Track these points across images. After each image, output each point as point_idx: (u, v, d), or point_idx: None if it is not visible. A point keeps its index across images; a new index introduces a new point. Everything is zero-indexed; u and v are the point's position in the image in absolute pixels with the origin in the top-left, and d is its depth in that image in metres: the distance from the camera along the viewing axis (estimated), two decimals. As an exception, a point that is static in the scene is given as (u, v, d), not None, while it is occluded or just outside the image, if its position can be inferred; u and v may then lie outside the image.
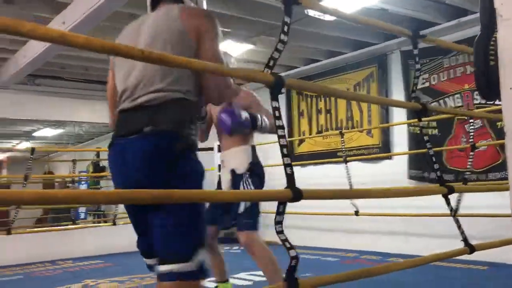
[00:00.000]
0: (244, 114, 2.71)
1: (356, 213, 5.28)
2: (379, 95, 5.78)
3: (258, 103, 3.00)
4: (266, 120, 2.87)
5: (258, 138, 7.26)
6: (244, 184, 2.93)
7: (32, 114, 6.51)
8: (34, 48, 4.79)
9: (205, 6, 2.06)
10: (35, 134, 10.18)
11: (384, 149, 5.75)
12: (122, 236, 6.53)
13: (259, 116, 2.81)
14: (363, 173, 5.69)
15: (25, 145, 11.20)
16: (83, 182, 10.72)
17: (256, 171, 2.97)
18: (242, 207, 2.90)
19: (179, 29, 1.66)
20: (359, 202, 5.22)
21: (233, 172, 2.96)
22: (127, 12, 4.46)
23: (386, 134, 5.77)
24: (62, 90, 6.60)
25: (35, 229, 7.45)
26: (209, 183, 5.82)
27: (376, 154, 5.79)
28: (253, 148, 3.05)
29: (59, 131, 10.02)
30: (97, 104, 6.92)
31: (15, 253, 5.32)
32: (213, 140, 7.43)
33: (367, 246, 5.65)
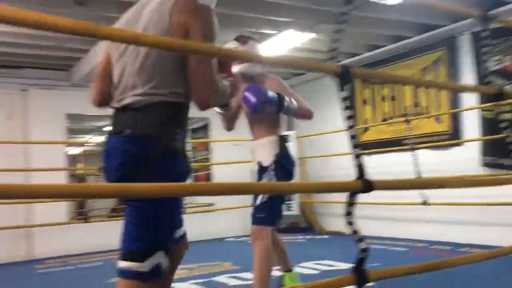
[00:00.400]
0: (270, 92, 2.61)
1: (425, 203, 5.12)
2: (449, 79, 5.55)
3: (285, 89, 2.86)
4: (293, 101, 2.76)
5: (322, 127, 7.24)
6: (267, 177, 2.85)
7: (103, 110, 6.84)
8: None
9: None
10: (106, 128, 10.70)
11: (454, 136, 5.52)
12: (190, 225, 6.75)
13: (286, 96, 2.71)
14: (432, 161, 5.51)
15: (98, 139, 11.79)
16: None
17: (282, 163, 2.86)
18: (258, 200, 2.82)
19: (165, 26, 1.58)
20: (428, 190, 5.06)
21: (259, 164, 2.92)
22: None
23: (456, 119, 5.53)
24: (130, 86, 6.87)
25: (110, 218, 7.88)
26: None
27: (445, 140, 5.58)
28: (282, 138, 2.94)
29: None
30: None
31: (93, 241, 5.65)
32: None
33: (437, 235, 5.48)
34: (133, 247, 1.59)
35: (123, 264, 1.60)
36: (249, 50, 2.74)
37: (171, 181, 1.51)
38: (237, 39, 2.82)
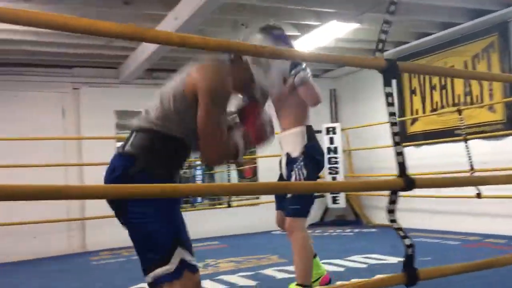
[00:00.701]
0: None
1: (478, 195, 4.95)
2: (501, 66, 5.31)
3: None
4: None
5: (368, 118, 7.12)
6: (297, 168, 2.84)
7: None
8: (151, 45, 5.12)
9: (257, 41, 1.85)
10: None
11: (508, 125, 5.28)
12: (237, 219, 6.83)
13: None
14: (485, 152, 5.30)
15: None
16: (198, 168, 11.32)
17: (310, 154, 2.86)
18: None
19: (182, 82, 1.78)
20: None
21: (288, 155, 2.92)
22: (236, 3, 4.59)
23: (510, 108, 5.29)
24: (176, 81, 6.99)
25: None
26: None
27: (499, 130, 5.35)
28: (309, 128, 2.92)
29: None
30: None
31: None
32: (321, 122, 7.41)
33: (491, 229, 5.28)
34: (152, 258, 1.66)
35: (151, 275, 1.66)
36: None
37: (148, 203, 1.62)
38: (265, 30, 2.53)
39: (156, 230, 1.65)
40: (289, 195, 2.83)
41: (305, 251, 2.74)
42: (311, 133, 2.90)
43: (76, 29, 1.16)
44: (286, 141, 2.95)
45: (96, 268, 4.71)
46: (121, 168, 1.70)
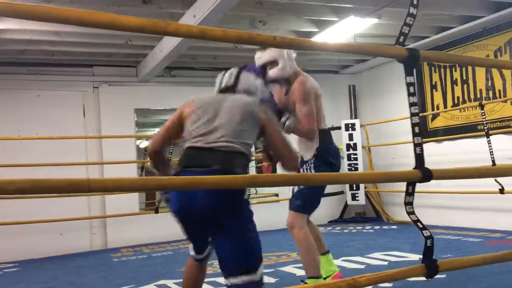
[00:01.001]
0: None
1: (501, 191, 4.86)
2: (525, 60, 5.20)
3: (299, 98, 2.82)
4: (290, 121, 2.81)
5: (386, 115, 7.05)
6: (306, 169, 2.90)
7: (169, 104, 7.01)
8: (169, 43, 5.16)
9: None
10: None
11: (532, 120, 5.18)
12: (256, 215, 6.83)
13: (285, 114, 2.81)
14: (508, 147, 5.21)
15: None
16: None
17: (323, 156, 2.89)
18: (296, 188, 2.87)
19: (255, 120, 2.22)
20: (504, 179, 4.79)
21: (301, 158, 2.96)
22: (254, 0, 4.59)
23: (534, 102, 5.19)
24: (194, 80, 7.01)
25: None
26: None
27: (523, 125, 5.24)
28: (324, 132, 2.94)
29: (193, 118, 10.70)
30: (225, 90, 7.25)
31: (164, 231, 5.86)
32: (340, 119, 7.37)
33: (515, 226, 5.18)
34: (250, 262, 2.00)
35: (243, 279, 1.98)
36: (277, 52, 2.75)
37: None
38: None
39: (257, 241, 2.06)
40: (295, 190, 2.87)
41: (305, 244, 2.77)
42: (325, 136, 2.94)
43: (97, 25, 1.18)
44: (300, 145, 3.02)
45: (118, 264, 4.76)
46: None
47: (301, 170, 2.92)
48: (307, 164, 2.92)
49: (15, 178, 1.08)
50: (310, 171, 2.87)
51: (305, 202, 2.84)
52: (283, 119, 2.79)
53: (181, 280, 3.76)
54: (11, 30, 4.89)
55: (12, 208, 5.46)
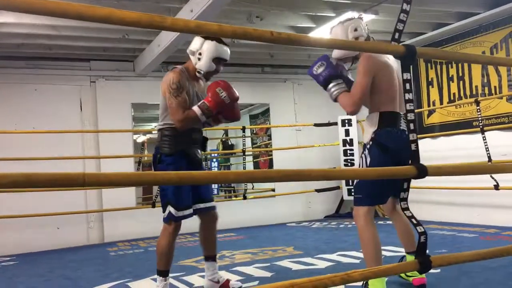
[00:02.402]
0: (324, 71, 2.80)
1: (496, 187, 4.89)
2: (521, 57, 5.22)
3: (359, 71, 2.74)
4: (337, 89, 2.76)
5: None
6: (363, 155, 2.75)
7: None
8: (167, 38, 5.16)
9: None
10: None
11: (528, 116, 5.21)
12: (252, 210, 6.87)
13: (334, 81, 2.79)
14: (504, 143, 5.23)
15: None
16: (214, 160, 11.38)
17: (379, 140, 2.68)
18: (355, 180, 2.79)
19: None
20: (499, 175, 4.82)
21: (363, 143, 2.89)
22: (249, -6, 4.59)
23: (530, 99, 5.21)
24: (191, 74, 7.02)
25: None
26: (335, 156, 5.82)
27: (518, 122, 5.27)
28: (387, 114, 2.70)
29: (190, 112, 10.70)
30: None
31: (160, 225, 5.87)
32: (337, 114, 7.36)
33: (509, 221, 5.22)
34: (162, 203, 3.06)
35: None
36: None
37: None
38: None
39: (166, 190, 3.03)
40: (354, 184, 2.79)
41: (364, 239, 2.66)
42: (387, 119, 2.70)
43: (95, 18, 1.18)
44: (365, 127, 2.89)
45: (114, 258, 4.78)
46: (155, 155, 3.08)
47: (361, 154, 2.80)
48: (364, 150, 2.76)
49: (10, 172, 1.09)
50: (366, 158, 2.71)
51: (363, 195, 2.70)
52: (330, 85, 2.73)
53: (177, 274, 3.79)
54: (8, 23, 4.87)
55: (9, 202, 5.47)
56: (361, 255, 4.10)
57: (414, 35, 6.22)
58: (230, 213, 6.68)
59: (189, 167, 2.91)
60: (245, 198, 6.48)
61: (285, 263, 4.00)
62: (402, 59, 1.45)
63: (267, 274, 3.66)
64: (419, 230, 1.57)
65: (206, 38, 2.94)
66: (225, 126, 11.80)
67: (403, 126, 2.70)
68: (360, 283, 2.83)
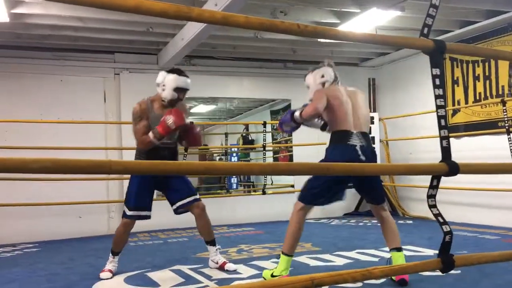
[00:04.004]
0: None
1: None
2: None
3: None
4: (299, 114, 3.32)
5: (406, 109, 6.97)
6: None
7: (189, 92, 7.08)
8: (190, 31, 5.18)
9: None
10: (192, 110, 11.07)
11: (556, 118, 5.08)
12: (271, 205, 6.87)
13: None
14: (530, 145, 5.12)
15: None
16: (234, 154, 11.41)
17: (327, 156, 3.20)
18: (307, 178, 3.23)
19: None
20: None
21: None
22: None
23: (559, 100, 5.08)
24: (213, 69, 7.03)
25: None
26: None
27: (546, 123, 5.15)
28: (338, 132, 3.18)
29: (212, 107, 10.76)
30: (244, 80, 7.25)
31: (179, 217, 5.92)
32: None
33: (534, 225, 5.12)
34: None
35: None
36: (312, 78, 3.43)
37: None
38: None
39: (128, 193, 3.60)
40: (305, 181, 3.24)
41: (290, 225, 3.22)
42: (337, 137, 3.17)
43: (123, 8, 1.20)
44: None
45: (134, 249, 4.84)
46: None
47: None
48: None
49: (39, 157, 1.11)
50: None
51: (305, 192, 3.21)
52: (297, 124, 3.42)
53: (195, 266, 3.82)
54: (35, 15, 4.96)
55: (34, 190, 5.59)
56: (380, 253, 4.08)
57: (441, 32, 6.12)
58: (249, 208, 6.71)
59: (153, 179, 3.57)
60: (264, 193, 6.49)
61: (303, 259, 4.00)
62: (431, 54, 1.43)
63: (285, 269, 3.65)
64: (445, 229, 1.55)
65: (168, 71, 3.56)
66: (245, 122, 11.82)
67: (353, 141, 3.10)
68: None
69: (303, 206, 3.19)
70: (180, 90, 3.53)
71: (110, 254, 3.69)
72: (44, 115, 5.91)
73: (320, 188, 3.11)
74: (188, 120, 3.61)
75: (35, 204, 5.55)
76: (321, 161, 3.11)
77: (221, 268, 3.63)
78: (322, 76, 3.36)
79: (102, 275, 3.56)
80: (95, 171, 1.12)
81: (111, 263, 3.66)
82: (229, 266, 3.64)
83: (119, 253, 3.69)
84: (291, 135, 7.84)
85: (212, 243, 3.73)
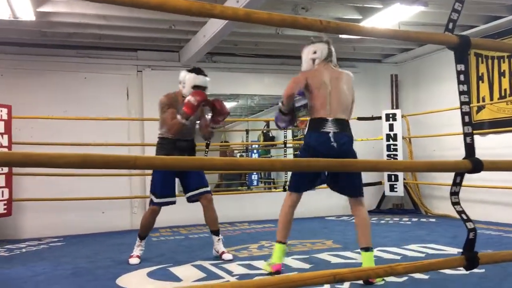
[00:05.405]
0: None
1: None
2: None
3: None
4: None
5: (428, 106, 6.87)
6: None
7: (210, 89, 7.13)
8: (212, 28, 5.21)
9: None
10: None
11: None
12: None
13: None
14: (558, 142, 5.00)
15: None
16: (254, 151, 11.43)
17: (304, 141, 3.35)
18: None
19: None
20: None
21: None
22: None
23: None
24: (235, 66, 7.05)
25: (217, 193, 8.24)
26: (378, 151, 5.77)
27: None
28: (314, 120, 3.26)
29: (233, 104, 10.78)
30: (265, 77, 7.25)
31: (201, 213, 5.97)
32: (381, 108, 7.24)
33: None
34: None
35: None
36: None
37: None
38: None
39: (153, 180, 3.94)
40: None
41: (280, 213, 3.41)
42: (313, 124, 3.26)
43: (148, 6, 1.21)
44: None
45: (156, 244, 4.90)
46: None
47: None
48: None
49: (66, 153, 1.14)
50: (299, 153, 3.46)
51: (290, 182, 3.48)
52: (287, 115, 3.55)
53: (217, 261, 3.85)
54: (60, 13, 5.05)
55: (59, 186, 5.71)
56: (403, 251, 4.05)
57: (465, 28, 6.01)
58: (270, 204, 6.69)
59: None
60: (285, 190, 6.48)
61: (324, 256, 3.99)
62: (456, 50, 1.41)
63: (306, 265, 3.66)
64: (469, 227, 1.53)
65: (188, 70, 3.89)
66: (266, 118, 11.81)
67: (327, 129, 3.18)
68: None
69: (290, 194, 3.41)
70: (199, 88, 3.80)
71: (138, 238, 4.03)
72: (68, 111, 6.02)
73: (299, 176, 3.36)
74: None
75: (60, 199, 5.67)
76: (302, 147, 3.42)
77: (220, 256, 3.93)
78: (314, 52, 3.40)
79: (131, 260, 3.91)
80: (121, 166, 1.15)
81: (138, 247, 4.01)
82: (226, 256, 3.91)
83: (145, 237, 4.04)
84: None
85: (216, 233, 4.05)
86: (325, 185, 3.42)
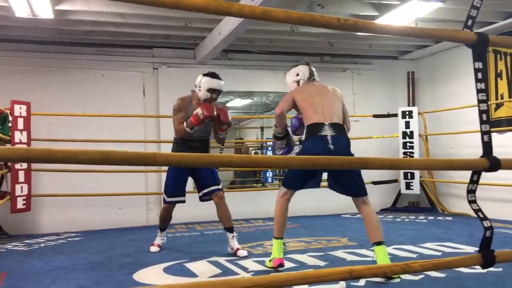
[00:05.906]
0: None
1: None
2: None
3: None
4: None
5: (445, 103, 6.80)
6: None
7: (225, 86, 7.16)
8: (227, 26, 5.22)
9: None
10: (228, 104, 11.15)
11: None
12: (307, 200, 6.84)
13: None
14: None
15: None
16: (269, 148, 11.43)
17: (303, 146, 3.48)
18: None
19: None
20: None
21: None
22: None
23: None
24: (250, 63, 7.06)
25: (231, 189, 8.28)
26: (393, 149, 5.74)
27: None
28: (310, 126, 3.36)
29: (248, 101, 10.80)
30: (280, 74, 7.22)
31: (214, 211, 6.03)
32: (397, 106, 7.18)
33: None
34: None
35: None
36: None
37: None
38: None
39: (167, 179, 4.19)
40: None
41: (275, 211, 3.50)
42: (310, 130, 3.35)
43: (164, 4, 1.23)
44: None
45: (172, 240, 4.94)
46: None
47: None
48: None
49: (89, 149, 1.17)
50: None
51: (284, 178, 3.62)
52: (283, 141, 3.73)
53: (232, 258, 3.87)
54: (78, 11, 5.11)
55: (77, 182, 5.80)
56: (419, 249, 4.03)
57: (483, 24, 5.93)
58: (285, 202, 6.71)
59: (187, 168, 4.05)
60: (300, 187, 6.48)
61: (340, 253, 3.99)
62: (474, 48, 1.40)
63: (321, 263, 3.66)
64: (486, 225, 1.52)
65: (204, 74, 4.09)
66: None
67: (324, 132, 3.27)
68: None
69: (285, 191, 3.49)
70: (213, 91, 4.03)
71: (158, 230, 4.41)
72: (86, 108, 6.09)
73: (293, 173, 3.44)
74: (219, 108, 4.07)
75: (78, 195, 5.75)
76: (297, 153, 3.58)
77: (235, 253, 3.98)
78: (297, 75, 3.64)
79: (152, 248, 4.28)
80: (141, 163, 1.17)
81: (159, 237, 4.39)
82: (241, 252, 3.95)
83: (165, 228, 4.40)
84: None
85: (230, 230, 4.13)
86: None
